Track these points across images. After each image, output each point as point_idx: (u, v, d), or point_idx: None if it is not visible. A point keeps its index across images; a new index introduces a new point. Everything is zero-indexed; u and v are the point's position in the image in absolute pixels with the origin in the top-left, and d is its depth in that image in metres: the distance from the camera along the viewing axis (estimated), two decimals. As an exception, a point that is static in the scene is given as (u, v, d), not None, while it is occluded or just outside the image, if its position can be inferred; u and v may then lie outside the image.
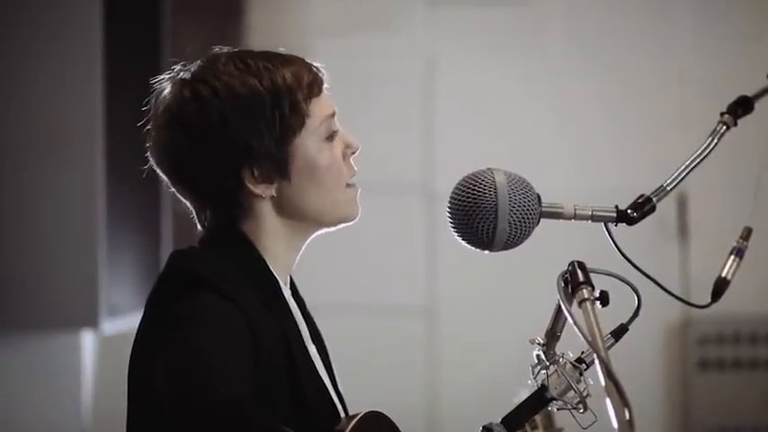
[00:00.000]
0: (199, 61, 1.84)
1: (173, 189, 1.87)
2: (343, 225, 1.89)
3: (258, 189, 1.81)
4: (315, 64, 1.86)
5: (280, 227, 1.84)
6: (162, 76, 1.86)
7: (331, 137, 1.85)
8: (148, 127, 1.87)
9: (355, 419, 1.75)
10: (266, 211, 1.83)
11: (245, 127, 1.78)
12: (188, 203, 1.87)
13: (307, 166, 1.82)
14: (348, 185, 1.87)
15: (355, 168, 1.88)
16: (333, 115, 1.86)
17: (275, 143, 1.79)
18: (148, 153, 1.87)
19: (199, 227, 1.87)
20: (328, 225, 1.88)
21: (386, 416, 1.79)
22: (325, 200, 1.84)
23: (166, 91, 1.84)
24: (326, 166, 1.83)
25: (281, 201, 1.83)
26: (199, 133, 1.78)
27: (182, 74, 1.83)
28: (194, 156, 1.79)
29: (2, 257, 3.59)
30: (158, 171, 1.87)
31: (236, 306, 1.72)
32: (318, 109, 1.83)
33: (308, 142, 1.82)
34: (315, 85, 1.83)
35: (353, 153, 1.88)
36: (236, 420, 1.58)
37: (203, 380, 1.62)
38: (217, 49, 1.86)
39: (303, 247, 1.89)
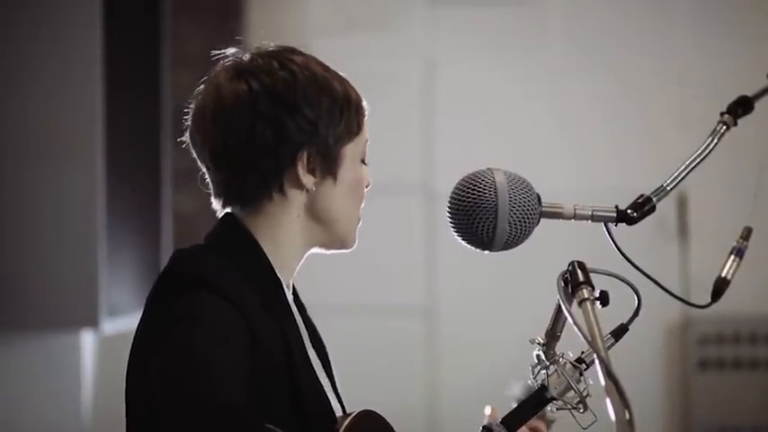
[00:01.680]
0: (268, 49, 1.88)
1: (210, 155, 1.85)
2: (339, 251, 1.92)
3: (304, 177, 1.83)
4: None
5: (296, 226, 1.86)
6: (223, 52, 1.88)
7: (364, 161, 1.91)
8: (208, 83, 1.86)
9: (349, 418, 1.76)
10: (294, 206, 1.85)
11: (319, 110, 1.83)
12: (213, 177, 1.87)
13: (348, 174, 1.87)
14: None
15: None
16: (367, 142, 1.92)
17: (334, 139, 1.85)
18: (196, 115, 1.87)
19: (214, 204, 1.88)
20: (334, 240, 1.90)
21: (379, 414, 1.81)
22: (348, 213, 1.89)
23: (246, 57, 1.85)
24: (359, 181, 1.89)
25: (314, 198, 1.85)
26: (282, 102, 1.82)
27: (255, 50, 1.87)
28: (268, 121, 1.81)
29: (2, 257, 3.59)
30: (203, 135, 1.85)
31: (235, 307, 1.72)
32: (366, 130, 1.91)
33: (352, 155, 1.88)
34: (365, 110, 1.91)
35: (366, 187, 1.92)
36: (230, 423, 1.58)
37: (197, 382, 1.62)
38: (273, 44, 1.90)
39: (303, 258, 1.91)
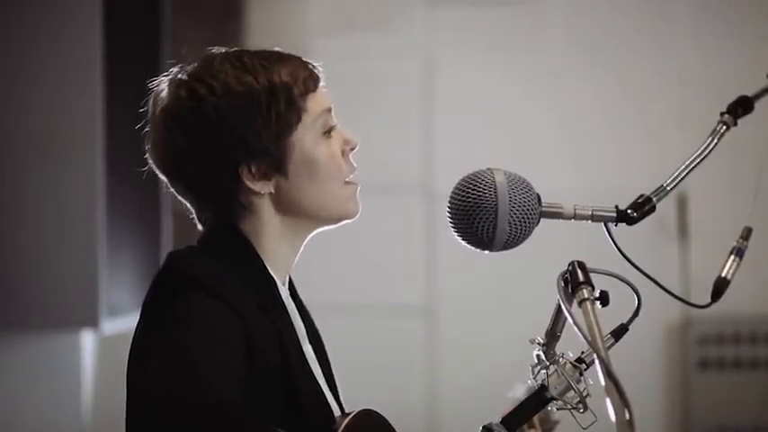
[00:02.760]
0: (195, 62, 1.85)
1: (172, 190, 1.88)
2: (343, 222, 1.89)
3: (256, 186, 1.81)
4: (310, 62, 1.87)
5: (279, 225, 1.85)
6: (158, 78, 1.87)
7: (328, 132, 1.85)
8: (147, 129, 1.87)
9: (349, 417, 1.76)
10: (265, 209, 1.84)
11: (242, 123, 1.78)
12: (188, 204, 1.88)
13: (304, 161, 1.83)
14: (347, 182, 1.87)
15: (354, 165, 1.88)
16: (329, 110, 1.86)
17: (272, 139, 1.80)
18: (147, 154, 1.88)
19: (199, 227, 1.88)
20: (327, 222, 1.88)
21: (379, 413, 1.80)
22: (324, 195, 1.85)
23: (164, 93, 1.84)
24: (324, 160, 1.84)
25: (279, 197, 1.83)
26: (196, 132, 1.79)
27: (178, 75, 1.84)
28: (192, 155, 1.80)
29: (2, 257, 3.59)
30: (157, 172, 1.88)
31: (230, 307, 1.72)
32: (314, 104, 1.84)
33: (306, 137, 1.83)
34: (311, 81, 1.84)
35: (352, 149, 1.88)
36: (227, 423, 1.58)
37: (195, 382, 1.62)
38: (213, 49, 1.87)
39: (302, 247, 1.89)
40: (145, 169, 1.91)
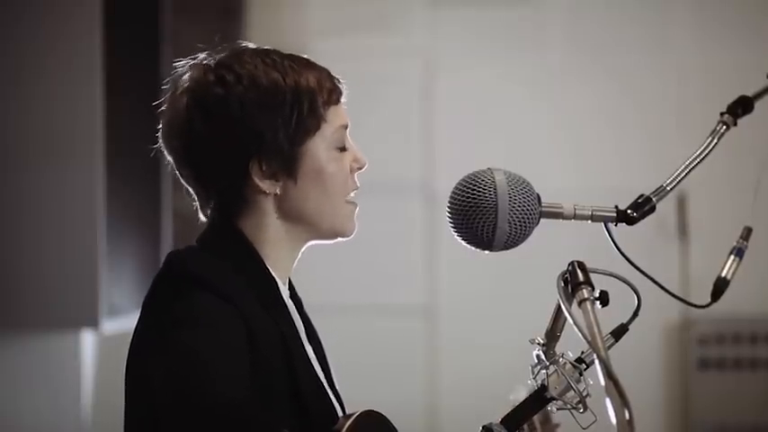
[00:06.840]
0: (225, 51, 1.85)
1: (178, 172, 1.87)
2: (338, 239, 1.90)
3: (264, 184, 1.81)
4: (336, 76, 1.88)
5: (279, 228, 1.85)
6: (184, 60, 1.87)
7: (342, 148, 1.86)
8: (162, 108, 1.86)
9: (352, 418, 1.76)
10: (268, 210, 1.84)
11: (263, 118, 1.79)
12: (191, 190, 1.87)
13: (314, 169, 1.83)
14: (348, 201, 1.88)
15: (358, 184, 1.89)
16: (346, 127, 1.87)
17: (288, 141, 1.80)
18: (159, 134, 1.87)
19: (201, 217, 1.88)
20: (324, 235, 1.88)
21: (382, 414, 1.80)
22: (326, 207, 1.85)
23: (188, 74, 1.84)
24: (333, 173, 1.85)
25: (283, 201, 1.83)
26: (216, 118, 1.79)
27: (205, 60, 1.84)
28: (208, 140, 1.80)
29: (2, 257, 3.59)
30: (167, 153, 1.87)
31: (233, 307, 1.72)
32: (335, 117, 1.85)
33: (320, 147, 1.83)
34: (334, 94, 1.85)
35: (359, 169, 1.89)
36: (236, 422, 1.58)
37: (202, 382, 1.62)
38: (243, 43, 1.88)
39: (299, 254, 1.89)
40: (153, 147, 1.90)
